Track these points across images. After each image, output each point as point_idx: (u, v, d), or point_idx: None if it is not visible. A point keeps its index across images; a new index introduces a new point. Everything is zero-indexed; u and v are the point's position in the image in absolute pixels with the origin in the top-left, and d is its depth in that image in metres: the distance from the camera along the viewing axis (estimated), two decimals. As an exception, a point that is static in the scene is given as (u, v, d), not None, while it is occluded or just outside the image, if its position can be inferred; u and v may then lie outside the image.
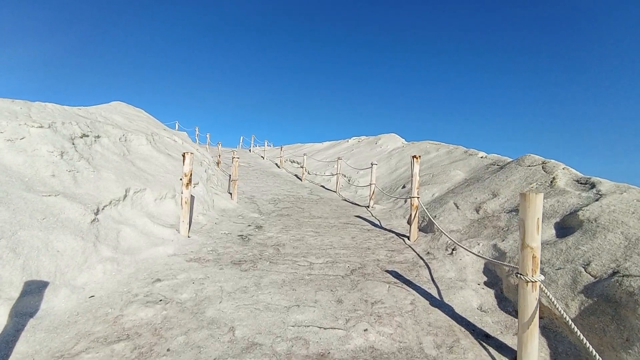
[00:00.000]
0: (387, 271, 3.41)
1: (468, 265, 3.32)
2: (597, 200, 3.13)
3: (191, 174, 4.10)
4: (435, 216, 4.80)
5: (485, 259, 2.57)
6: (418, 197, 4.50)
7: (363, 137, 16.49)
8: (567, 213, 3.18)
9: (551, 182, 4.11)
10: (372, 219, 6.07)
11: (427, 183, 6.96)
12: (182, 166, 4.07)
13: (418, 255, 3.89)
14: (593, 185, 3.56)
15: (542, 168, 4.55)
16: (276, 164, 15.55)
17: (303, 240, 4.47)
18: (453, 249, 3.70)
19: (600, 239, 2.58)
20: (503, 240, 3.34)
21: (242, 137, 24.34)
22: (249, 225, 5.09)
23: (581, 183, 3.82)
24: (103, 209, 3.51)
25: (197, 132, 16.45)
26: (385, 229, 5.22)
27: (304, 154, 12.64)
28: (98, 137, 4.64)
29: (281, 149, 14.98)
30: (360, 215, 6.31)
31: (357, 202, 7.94)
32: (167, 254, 3.49)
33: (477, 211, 4.36)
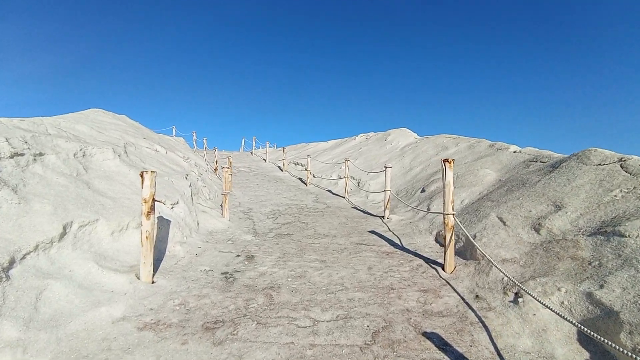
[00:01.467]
0: (425, 334, 2.34)
1: (550, 325, 2.22)
2: None
3: (153, 199, 3.09)
4: (475, 236, 3.69)
5: (588, 333, 1.48)
6: (454, 214, 3.39)
7: (371, 134, 15.33)
8: None
9: (644, 188, 2.96)
10: (389, 235, 4.98)
11: (453, 186, 5.83)
12: (141, 189, 3.07)
13: (463, 299, 2.80)
14: None
15: (622, 167, 3.40)
16: (279, 167, 14.55)
17: (305, 276, 3.42)
18: (516, 294, 2.60)
19: None
20: (602, 287, 2.22)
21: (243, 139, 23.42)
22: (238, 255, 4.06)
23: (696, 190, 2.67)
24: (22, 258, 2.52)
25: (194, 138, 15.60)
26: (409, 251, 4.14)
27: (308, 156, 11.57)
28: (41, 154, 3.67)
29: (283, 151, 13.96)
30: (375, 231, 5.23)
31: (369, 211, 6.85)
32: (113, 319, 2.48)
33: (537, 231, 3.23)
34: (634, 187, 3.04)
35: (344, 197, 8.56)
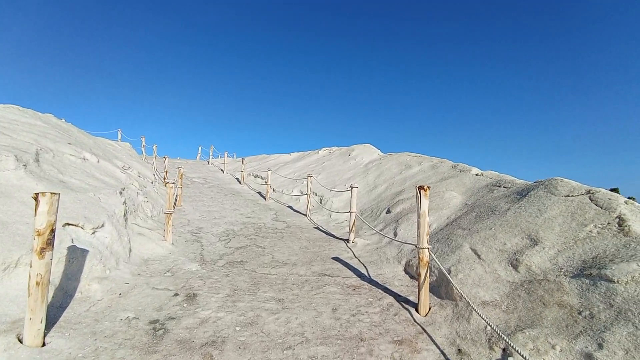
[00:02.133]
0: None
1: (548, 396, 1.87)
2: None
3: (52, 231, 2.30)
4: (449, 270, 3.37)
5: None
6: (429, 249, 3.03)
7: (335, 148, 15.12)
8: None
9: (619, 224, 2.85)
10: (355, 263, 4.53)
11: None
12: (35, 217, 2.26)
13: (444, 355, 2.39)
14: None
15: (591, 200, 3.31)
16: (237, 179, 13.65)
17: (257, 323, 2.80)
18: (504, 349, 2.25)
19: None
20: (601, 347, 1.93)
21: (200, 148, 21.91)
22: (176, 294, 3.30)
23: (672, 229, 2.58)
24: None
25: (143, 143, 14.00)
26: (378, 285, 3.70)
27: (269, 169, 10.93)
28: None
29: (242, 162, 13.11)
30: (340, 257, 4.75)
31: (332, 233, 6.39)
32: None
33: (516, 267, 2.98)
34: (608, 223, 2.92)
35: (305, 215, 8.03)
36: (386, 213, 6.55)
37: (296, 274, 4.06)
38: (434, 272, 3.48)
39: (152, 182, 8.48)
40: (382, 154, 12.35)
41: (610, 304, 2.19)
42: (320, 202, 8.90)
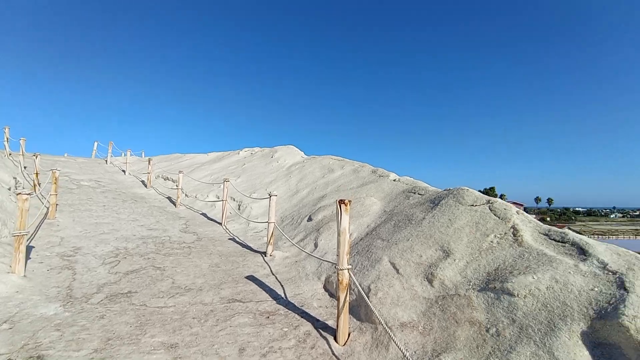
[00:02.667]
0: None
1: None
2: (624, 288, 2.04)
3: None
4: (369, 289, 3.20)
5: None
6: (350, 269, 2.79)
7: (257, 149, 14.40)
8: (595, 314, 1.99)
9: (514, 234, 3.06)
10: (271, 281, 4.10)
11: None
12: None
13: (363, 394, 2.14)
14: (581, 249, 2.57)
15: (491, 210, 3.55)
16: (142, 182, 11.82)
17: (134, 388, 2.13)
18: (422, 381, 2.10)
19: None
20: (512, 372, 1.90)
21: (96, 144, 18.41)
22: None
23: (554, 240, 2.85)
24: None
25: (6, 136, 10.75)
26: (295, 309, 3.34)
27: (180, 171, 9.68)
28: None
29: (149, 162, 11.33)
30: (255, 276, 4.25)
31: (249, 244, 5.83)
32: None
33: (431, 282, 2.96)
34: (505, 233, 3.13)
35: (221, 224, 7.24)
36: (307, 221, 6.29)
37: (200, 303, 3.41)
38: (354, 291, 3.28)
39: (10, 189, 6.54)
40: (305, 156, 12.19)
41: (513, 319, 2.24)
42: (239, 209, 8.19)
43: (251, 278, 4.18)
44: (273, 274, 4.36)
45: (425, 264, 3.20)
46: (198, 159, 15.34)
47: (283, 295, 3.68)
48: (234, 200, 8.67)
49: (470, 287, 2.70)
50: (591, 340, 1.90)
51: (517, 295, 2.36)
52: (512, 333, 2.15)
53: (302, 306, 3.40)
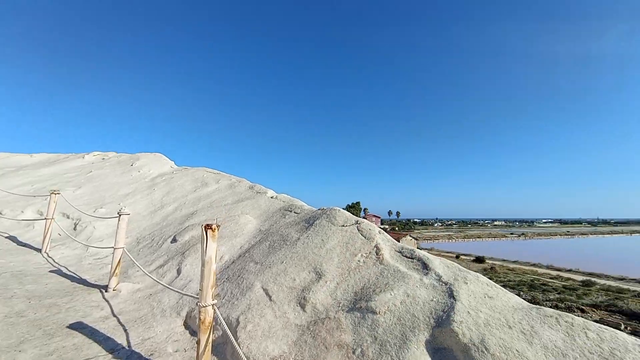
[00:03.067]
0: None
1: None
2: (452, 296, 2.47)
3: None
4: (238, 321, 2.87)
5: None
6: (213, 305, 2.41)
7: (112, 154, 11.87)
8: (435, 323, 2.30)
9: (377, 253, 3.38)
10: (110, 327, 3.18)
11: (212, 238, 4.93)
12: None
13: None
14: (424, 264, 3.03)
15: (359, 230, 3.86)
16: None
17: None
18: None
19: (521, 397, 1.70)
20: (374, 395, 1.96)
21: None
22: None
23: (406, 256, 3.29)
24: None
25: None
26: (142, 360, 2.65)
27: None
28: None
29: None
30: (84, 321, 3.22)
31: (84, 277, 4.50)
32: None
33: (303, 307, 2.89)
34: (370, 252, 3.42)
35: (40, 251, 5.37)
36: (171, 242, 5.40)
37: (-22, 381, 2.26)
38: (220, 326, 2.87)
39: None
40: (175, 167, 10.78)
41: (375, 337, 2.37)
42: (75, 229, 6.34)
43: (78, 326, 3.13)
44: (115, 316, 3.41)
45: (298, 288, 3.13)
46: (15, 159, 11.38)
47: (125, 344, 2.88)
48: (68, 217, 6.69)
49: (340, 308, 2.77)
50: (432, 347, 2.18)
51: (379, 313, 2.54)
52: (374, 351, 2.27)
53: (152, 355, 2.73)
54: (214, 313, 2.36)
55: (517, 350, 1.89)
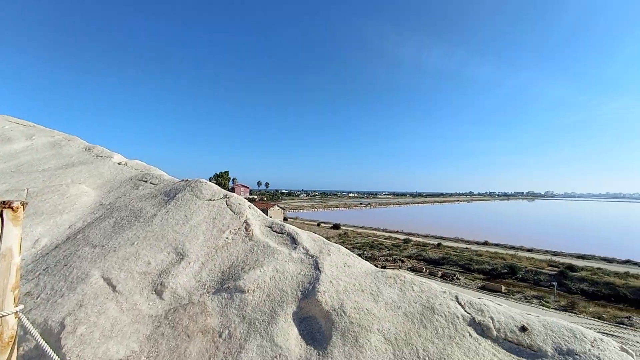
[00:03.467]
0: None
1: None
2: (318, 268, 2.65)
3: None
4: (63, 325, 2.22)
5: None
6: (18, 313, 1.75)
7: None
8: (302, 295, 2.42)
9: (246, 229, 3.27)
10: None
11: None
12: None
13: None
14: (293, 239, 3.14)
15: (227, 205, 3.61)
16: None
17: None
18: None
19: (368, 348, 2.00)
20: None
21: None
22: None
23: (276, 231, 3.31)
24: None
25: None
26: None
27: None
28: None
29: None
30: None
31: None
32: None
33: (160, 294, 2.50)
34: (239, 228, 3.27)
35: None
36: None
37: None
38: (31, 335, 2.15)
39: None
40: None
41: (243, 316, 2.31)
42: None
43: None
44: None
45: (154, 273, 2.69)
46: None
47: None
48: None
49: (205, 290, 2.55)
50: (299, 317, 2.30)
51: (248, 291, 2.47)
52: (242, 331, 2.20)
53: None
54: (18, 325, 1.72)
55: (367, 310, 2.22)
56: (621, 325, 31.61)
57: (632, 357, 1.83)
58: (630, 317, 33.32)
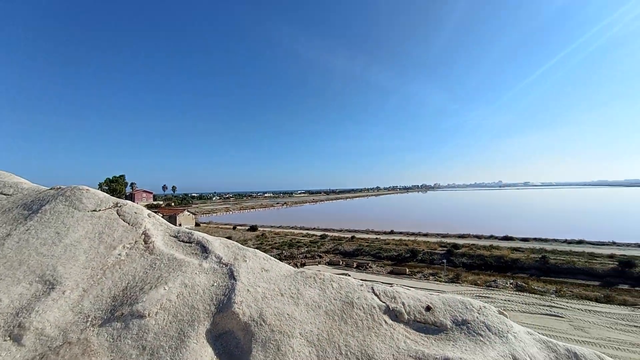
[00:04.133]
0: None
1: None
2: (233, 277, 2.43)
3: None
4: None
5: None
6: None
7: None
8: (216, 309, 2.16)
9: (145, 241, 2.80)
10: None
11: None
12: None
13: None
14: (204, 247, 2.82)
15: (119, 215, 3.03)
16: None
17: None
18: None
19: (290, 355, 1.90)
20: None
21: None
22: None
23: (183, 241, 2.93)
24: None
25: None
26: None
27: None
28: None
29: None
30: None
31: None
32: None
33: (19, 340, 1.90)
34: (136, 242, 2.77)
35: None
36: None
37: None
38: None
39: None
40: None
41: (143, 347, 1.94)
42: None
43: None
44: None
45: (10, 313, 2.04)
46: None
47: None
48: None
49: (89, 324, 2.05)
50: (213, 334, 2.06)
51: (149, 315, 2.09)
52: (140, 365, 1.84)
53: None
54: None
55: (288, 314, 2.12)
56: (490, 288, 39.69)
57: (506, 317, 2.22)
58: (495, 280, 42.13)
